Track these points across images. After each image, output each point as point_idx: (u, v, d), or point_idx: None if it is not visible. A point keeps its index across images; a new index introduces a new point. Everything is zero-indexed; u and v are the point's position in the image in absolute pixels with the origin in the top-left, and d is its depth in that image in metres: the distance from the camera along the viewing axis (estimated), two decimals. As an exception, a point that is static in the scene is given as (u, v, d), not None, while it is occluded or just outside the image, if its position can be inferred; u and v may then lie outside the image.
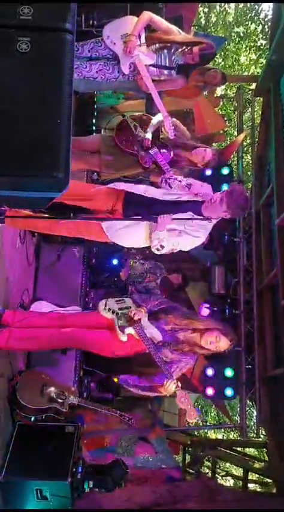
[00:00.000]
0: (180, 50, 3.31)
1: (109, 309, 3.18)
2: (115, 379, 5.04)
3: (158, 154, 3.42)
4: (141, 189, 3.10)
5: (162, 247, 2.95)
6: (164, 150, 3.51)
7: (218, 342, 2.99)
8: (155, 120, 3.54)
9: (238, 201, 2.97)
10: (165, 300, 3.33)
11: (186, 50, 3.29)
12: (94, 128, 5.73)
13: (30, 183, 1.34)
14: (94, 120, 5.73)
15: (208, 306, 5.53)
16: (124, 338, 3.05)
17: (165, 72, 3.35)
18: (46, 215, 3.06)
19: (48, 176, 1.34)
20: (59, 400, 3.59)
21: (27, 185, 1.34)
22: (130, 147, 3.58)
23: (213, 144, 6.98)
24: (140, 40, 3.25)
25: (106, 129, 4.14)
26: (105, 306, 3.20)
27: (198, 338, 3.04)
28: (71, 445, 3.52)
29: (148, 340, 3.03)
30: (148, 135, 3.49)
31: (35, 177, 1.33)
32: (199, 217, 3.01)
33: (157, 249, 2.98)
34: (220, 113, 9.24)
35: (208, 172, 5.43)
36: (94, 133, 5.58)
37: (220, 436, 10.19)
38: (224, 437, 9.48)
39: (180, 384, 2.99)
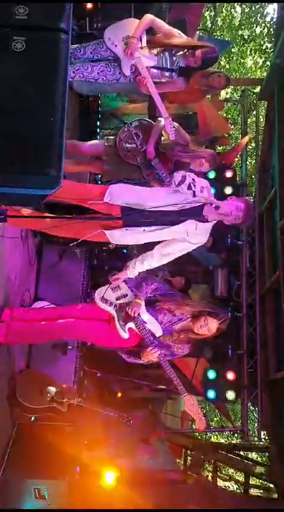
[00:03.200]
0: (181, 52, 3.33)
1: (106, 301, 3.16)
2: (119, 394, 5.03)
3: (159, 165, 3.48)
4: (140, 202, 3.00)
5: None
6: (165, 161, 3.55)
7: (207, 325, 3.02)
8: (157, 128, 3.58)
9: (251, 214, 3.03)
10: (161, 284, 3.29)
11: (188, 53, 3.30)
12: (98, 130, 5.76)
13: (21, 179, 1.35)
14: (98, 123, 5.77)
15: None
16: (125, 335, 3.06)
17: (166, 74, 3.37)
18: (47, 215, 3.09)
19: (40, 173, 1.36)
20: (59, 400, 3.60)
21: (19, 181, 1.36)
22: (132, 158, 3.65)
23: (217, 147, 6.98)
24: (141, 42, 3.28)
25: (109, 135, 4.17)
26: (102, 297, 3.17)
27: (191, 325, 3.08)
28: (70, 445, 3.52)
29: (148, 334, 3.05)
30: (150, 148, 3.51)
31: (26, 173, 1.34)
32: (199, 223, 2.97)
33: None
34: (225, 116, 9.25)
35: (212, 175, 5.46)
36: (98, 136, 5.63)
37: (223, 440, 10.14)
38: (227, 442, 9.42)
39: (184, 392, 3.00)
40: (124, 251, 4.92)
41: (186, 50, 3.31)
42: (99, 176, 4.43)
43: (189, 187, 2.95)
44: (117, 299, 3.17)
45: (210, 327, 3.02)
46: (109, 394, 5.20)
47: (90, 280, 4.86)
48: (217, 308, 3.21)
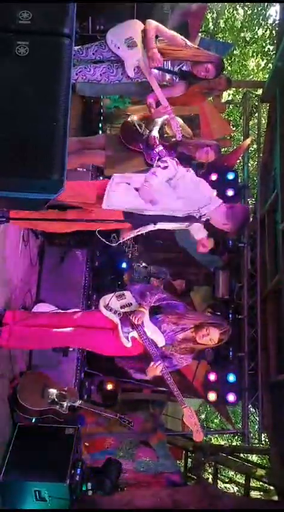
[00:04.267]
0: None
1: (110, 309, 3.16)
2: (109, 385, 5.03)
3: (164, 152, 3.40)
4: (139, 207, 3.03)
5: None
6: (169, 149, 3.52)
7: (209, 335, 3.02)
8: (160, 119, 3.56)
9: (241, 222, 3.06)
10: (164, 294, 3.30)
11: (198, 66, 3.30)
12: (100, 131, 5.77)
13: (23, 183, 1.35)
14: (100, 124, 5.78)
15: (210, 310, 5.52)
16: (128, 344, 3.05)
17: (167, 76, 3.37)
18: (50, 217, 3.09)
19: (43, 177, 1.35)
20: (60, 402, 3.60)
21: (21, 186, 1.36)
22: (136, 145, 3.61)
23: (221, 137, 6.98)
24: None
25: (111, 128, 4.17)
26: (107, 305, 3.17)
27: (194, 334, 3.08)
28: (70, 447, 3.52)
29: (151, 345, 3.04)
30: (155, 133, 3.50)
31: (28, 177, 1.34)
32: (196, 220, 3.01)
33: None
34: (227, 118, 9.26)
35: (213, 177, 5.45)
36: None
37: (223, 443, 10.13)
38: (227, 444, 9.41)
39: (185, 402, 3.00)
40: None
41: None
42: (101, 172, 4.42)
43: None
44: (121, 307, 3.15)
45: (211, 337, 3.02)
46: (110, 396, 5.20)
47: (92, 282, 4.86)
48: (219, 318, 3.23)
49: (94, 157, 3.81)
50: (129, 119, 3.68)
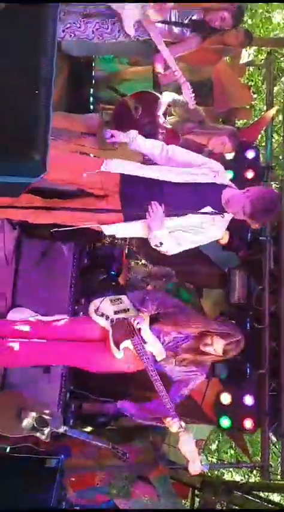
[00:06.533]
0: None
1: (102, 314, 3.21)
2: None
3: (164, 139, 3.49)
4: (138, 170, 3.12)
5: (161, 244, 3.00)
6: (173, 137, 3.56)
7: (212, 345, 3.06)
8: (163, 101, 3.59)
9: (267, 209, 3.03)
10: (166, 298, 3.36)
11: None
12: (91, 99, 5.78)
13: (1, 165, 1.37)
14: (91, 91, 5.78)
15: (223, 318, 5.54)
16: (119, 355, 3.09)
17: (176, 30, 3.37)
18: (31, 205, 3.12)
19: (23, 158, 1.37)
20: (40, 428, 3.62)
21: (-1, 168, 1.38)
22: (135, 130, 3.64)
23: (237, 121, 6.99)
24: None
25: (104, 109, 4.22)
26: (97, 309, 3.23)
27: (197, 344, 3.12)
28: (52, 483, 3.56)
29: (148, 359, 3.08)
30: (160, 120, 3.55)
31: (7, 158, 1.35)
32: (213, 212, 3.03)
33: (157, 246, 3.02)
34: (246, 83, 9.24)
35: (229, 156, 5.46)
36: (92, 106, 5.65)
37: (239, 478, 10.19)
38: (244, 480, 9.47)
39: (184, 425, 3.05)
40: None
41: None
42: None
43: None
44: (115, 313, 3.21)
45: (215, 347, 3.06)
46: (102, 421, 5.23)
47: (80, 284, 4.88)
48: (230, 327, 3.24)
49: (85, 146, 3.89)
50: (123, 101, 3.70)
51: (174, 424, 3.04)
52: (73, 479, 4.55)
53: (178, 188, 3.03)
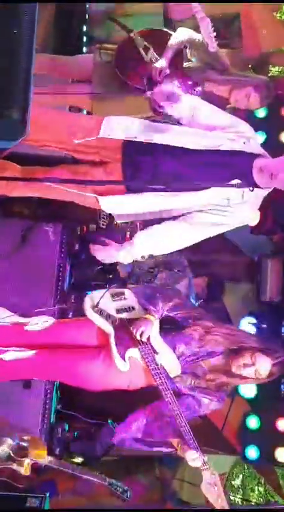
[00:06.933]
0: None
1: (101, 312, 3.20)
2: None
3: (173, 90, 3.44)
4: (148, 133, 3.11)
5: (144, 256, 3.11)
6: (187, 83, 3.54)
7: (255, 365, 3.04)
8: (175, 38, 3.57)
9: None
10: (184, 300, 3.35)
11: None
12: (84, 39, 5.74)
13: None
14: (84, 28, 5.75)
15: (253, 321, 5.54)
16: (125, 368, 3.09)
17: None
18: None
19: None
20: (18, 459, 3.64)
21: None
22: (136, 79, 3.72)
23: (271, 69, 6.95)
24: None
25: (102, 49, 4.20)
26: (96, 306, 3.21)
27: (227, 362, 3.11)
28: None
29: (159, 372, 3.07)
30: (163, 62, 3.54)
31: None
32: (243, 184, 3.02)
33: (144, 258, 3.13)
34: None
35: (261, 113, 5.45)
36: (84, 48, 5.62)
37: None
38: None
39: (206, 460, 3.03)
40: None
41: None
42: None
43: None
44: (117, 311, 3.21)
45: (258, 368, 3.03)
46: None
47: (70, 275, 4.88)
48: (270, 342, 3.24)
49: (75, 96, 3.96)
50: (128, 37, 3.69)
51: (196, 459, 3.01)
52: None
53: (198, 156, 3.02)
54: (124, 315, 3.20)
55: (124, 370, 3.09)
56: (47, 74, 3.82)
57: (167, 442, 3.21)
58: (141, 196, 3.04)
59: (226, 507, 3.01)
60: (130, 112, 3.64)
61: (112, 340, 3.11)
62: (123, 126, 3.10)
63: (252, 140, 3.10)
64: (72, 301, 4.73)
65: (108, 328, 3.14)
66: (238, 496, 10.22)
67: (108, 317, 3.19)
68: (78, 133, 3.11)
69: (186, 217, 3.07)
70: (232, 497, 8.31)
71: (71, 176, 3.12)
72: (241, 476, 11.53)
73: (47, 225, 4.60)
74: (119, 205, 3.11)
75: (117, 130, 3.08)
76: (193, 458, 3.02)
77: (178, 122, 3.54)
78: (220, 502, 2.98)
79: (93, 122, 3.17)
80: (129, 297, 3.29)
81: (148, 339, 3.06)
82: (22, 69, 1.45)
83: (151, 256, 5.21)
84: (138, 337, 3.04)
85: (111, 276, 5.08)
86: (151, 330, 3.06)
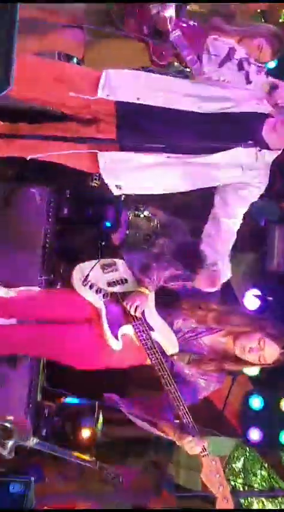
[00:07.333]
0: None
1: (91, 286, 3.20)
2: None
3: (182, 41, 3.43)
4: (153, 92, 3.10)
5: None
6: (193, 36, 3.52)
7: (262, 350, 3.02)
8: None
9: None
10: (183, 271, 3.32)
11: None
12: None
13: None
14: None
15: (258, 293, 5.54)
16: (117, 346, 3.11)
17: None
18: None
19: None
20: (2, 441, 3.65)
21: None
22: (136, 26, 3.67)
23: (282, 18, 6.88)
24: None
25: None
26: (85, 279, 3.20)
27: (230, 343, 3.09)
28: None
29: (155, 351, 3.07)
30: (171, 11, 3.46)
31: None
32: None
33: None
34: None
35: (271, 64, 5.38)
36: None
37: (271, 507, 10.39)
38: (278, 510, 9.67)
39: (207, 446, 3.00)
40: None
41: None
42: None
43: (241, 67, 3.12)
44: (109, 284, 3.21)
45: (264, 353, 3.01)
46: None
47: (58, 243, 4.86)
48: (281, 327, 3.18)
49: (64, 41, 3.91)
50: None
51: (195, 446, 2.98)
52: (47, 508, 4.61)
53: (205, 118, 3.04)
54: (116, 288, 3.20)
55: (117, 349, 3.10)
56: (32, 17, 3.76)
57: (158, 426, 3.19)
58: (146, 157, 3.04)
59: (228, 496, 2.98)
60: (126, 61, 3.65)
61: (103, 317, 3.12)
62: (124, 86, 3.09)
63: (264, 100, 3.15)
64: (60, 271, 4.74)
65: (99, 304, 3.16)
66: (239, 480, 10.39)
67: (99, 291, 3.19)
68: (69, 87, 3.07)
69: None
70: (232, 482, 8.45)
71: (59, 133, 3.10)
72: (242, 459, 11.71)
73: (32, 188, 4.58)
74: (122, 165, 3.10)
75: (117, 90, 3.06)
76: (191, 445, 2.98)
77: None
78: (221, 491, 2.96)
79: (89, 77, 3.14)
80: (121, 268, 3.29)
81: (143, 314, 3.06)
82: (4, 12, 1.42)
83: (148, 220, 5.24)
84: (132, 313, 3.05)
85: (102, 244, 5.07)
86: (146, 304, 3.08)
